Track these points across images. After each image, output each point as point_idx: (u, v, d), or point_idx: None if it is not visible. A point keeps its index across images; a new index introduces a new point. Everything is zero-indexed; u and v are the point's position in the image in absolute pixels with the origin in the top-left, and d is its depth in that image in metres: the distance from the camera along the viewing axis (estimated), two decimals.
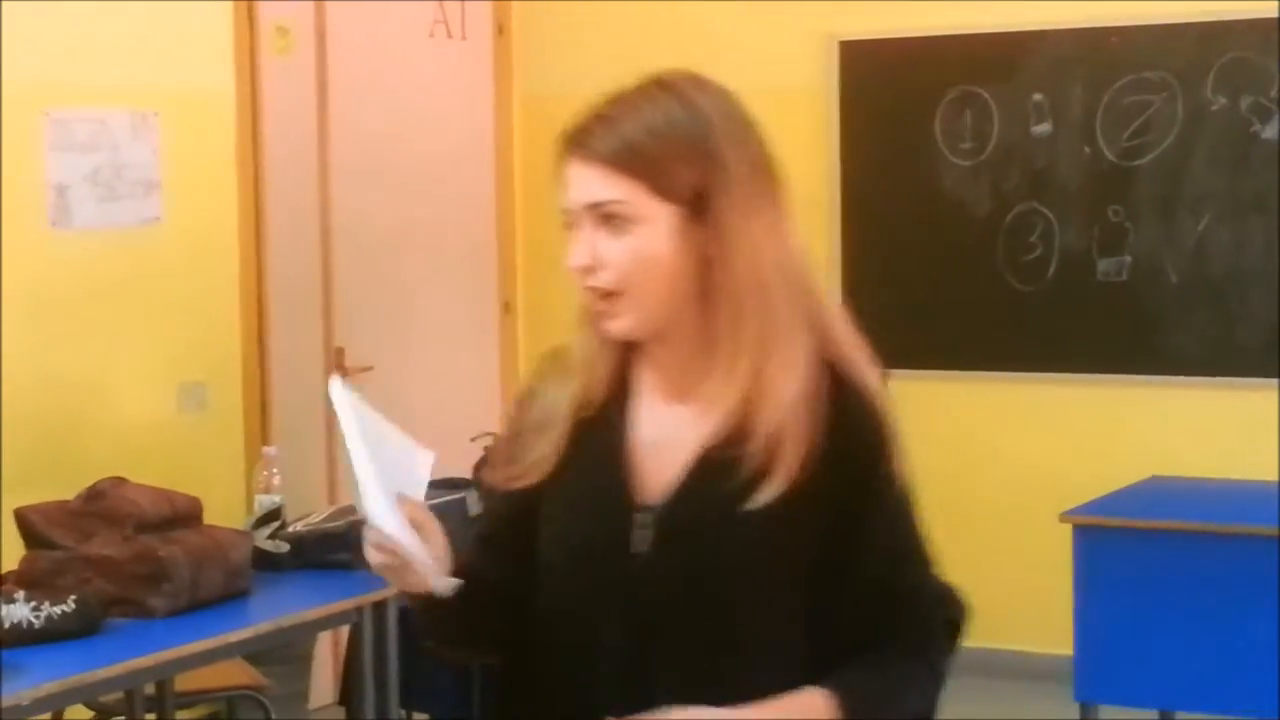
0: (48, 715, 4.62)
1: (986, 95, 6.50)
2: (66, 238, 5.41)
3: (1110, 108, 6.34)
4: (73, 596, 3.76)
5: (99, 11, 5.47)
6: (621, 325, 2.13)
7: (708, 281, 2.11)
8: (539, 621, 2.19)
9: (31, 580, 3.88)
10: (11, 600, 3.70)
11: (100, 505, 4.07)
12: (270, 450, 4.61)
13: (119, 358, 5.56)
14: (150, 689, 4.53)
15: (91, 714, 4.65)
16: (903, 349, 6.69)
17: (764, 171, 2.17)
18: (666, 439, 2.15)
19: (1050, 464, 6.41)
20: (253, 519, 4.43)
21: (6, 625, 3.60)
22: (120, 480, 4.19)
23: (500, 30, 7.04)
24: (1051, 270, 6.44)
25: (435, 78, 6.76)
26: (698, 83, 2.17)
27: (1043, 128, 6.44)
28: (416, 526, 2.11)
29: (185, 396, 5.73)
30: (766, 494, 2.08)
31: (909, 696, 2.18)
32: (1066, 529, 5.19)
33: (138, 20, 5.59)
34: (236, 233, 5.93)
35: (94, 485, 4.15)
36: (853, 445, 2.13)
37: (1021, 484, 6.46)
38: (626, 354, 2.20)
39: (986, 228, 6.52)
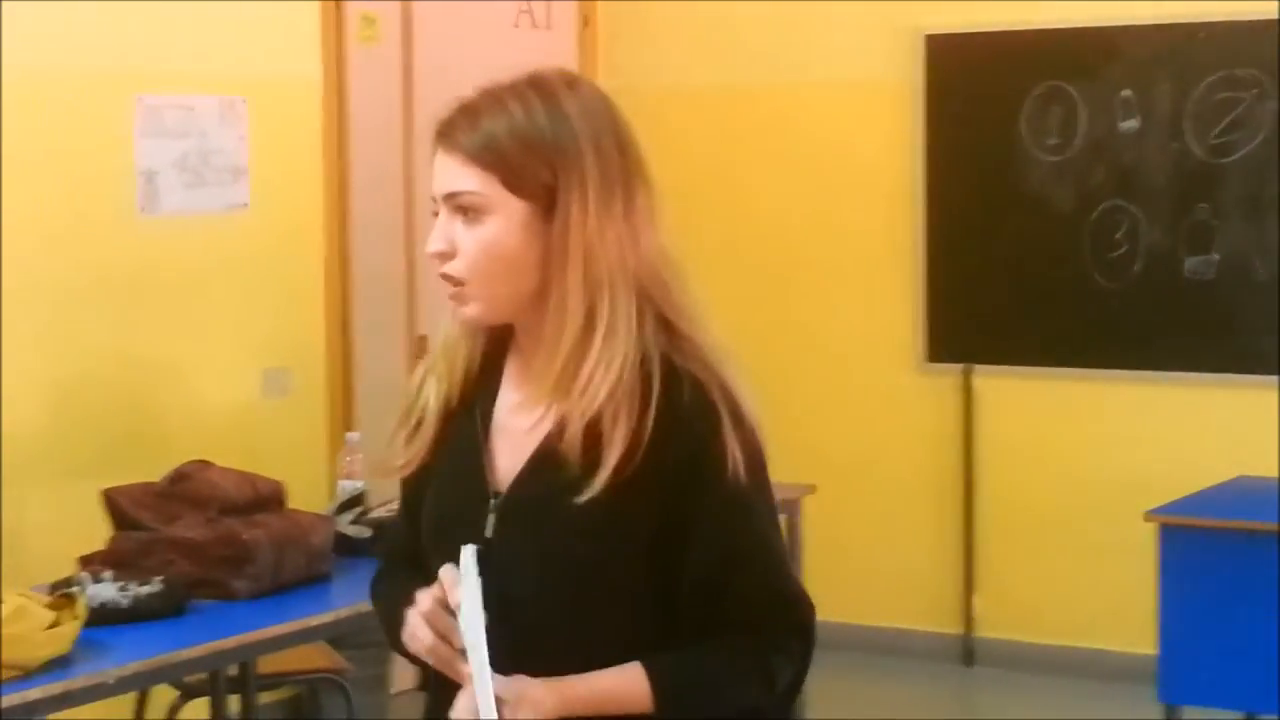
0: (132, 694, 4.67)
1: (1073, 91, 6.45)
2: (154, 223, 5.45)
3: (1199, 104, 6.28)
4: (159, 577, 3.79)
5: None
6: (469, 311, 2.22)
7: (548, 277, 2.18)
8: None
9: (119, 560, 3.91)
10: (99, 580, 3.73)
11: (185, 488, 4.10)
12: (353, 436, 4.62)
13: (204, 343, 5.59)
14: (234, 670, 4.56)
15: (176, 694, 4.68)
16: (987, 346, 6.67)
17: (624, 175, 2.20)
18: (522, 426, 2.22)
19: (1136, 463, 6.35)
20: (335, 504, 4.44)
21: (94, 604, 3.63)
22: (205, 463, 4.22)
23: (585, 22, 7.04)
24: (1137, 268, 6.39)
25: (520, 68, 6.73)
26: (570, 82, 2.23)
27: (1130, 124, 6.38)
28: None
29: (270, 382, 5.77)
30: (593, 487, 2.12)
31: (727, 692, 2.17)
32: (1152, 528, 5.14)
33: (227, 7, 5.62)
34: (322, 219, 5.96)
35: (179, 468, 4.18)
36: (680, 439, 2.14)
37: (1107, 483, 6.41)
38: (500, 343, 2.27)
39: (1072, 225, 6.47)
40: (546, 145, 2.17)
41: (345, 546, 4.31)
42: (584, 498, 2.12)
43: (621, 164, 2.20)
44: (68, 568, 3.90)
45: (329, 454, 5.63)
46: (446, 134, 2.21)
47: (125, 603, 3.72)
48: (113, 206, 5.33)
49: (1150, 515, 5.16)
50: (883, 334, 6.77)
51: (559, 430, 2.15)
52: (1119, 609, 6.30)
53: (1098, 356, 6.46)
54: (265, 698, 5.12)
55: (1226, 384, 6.26)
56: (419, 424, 2.29)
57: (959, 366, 6.68)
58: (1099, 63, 6.40)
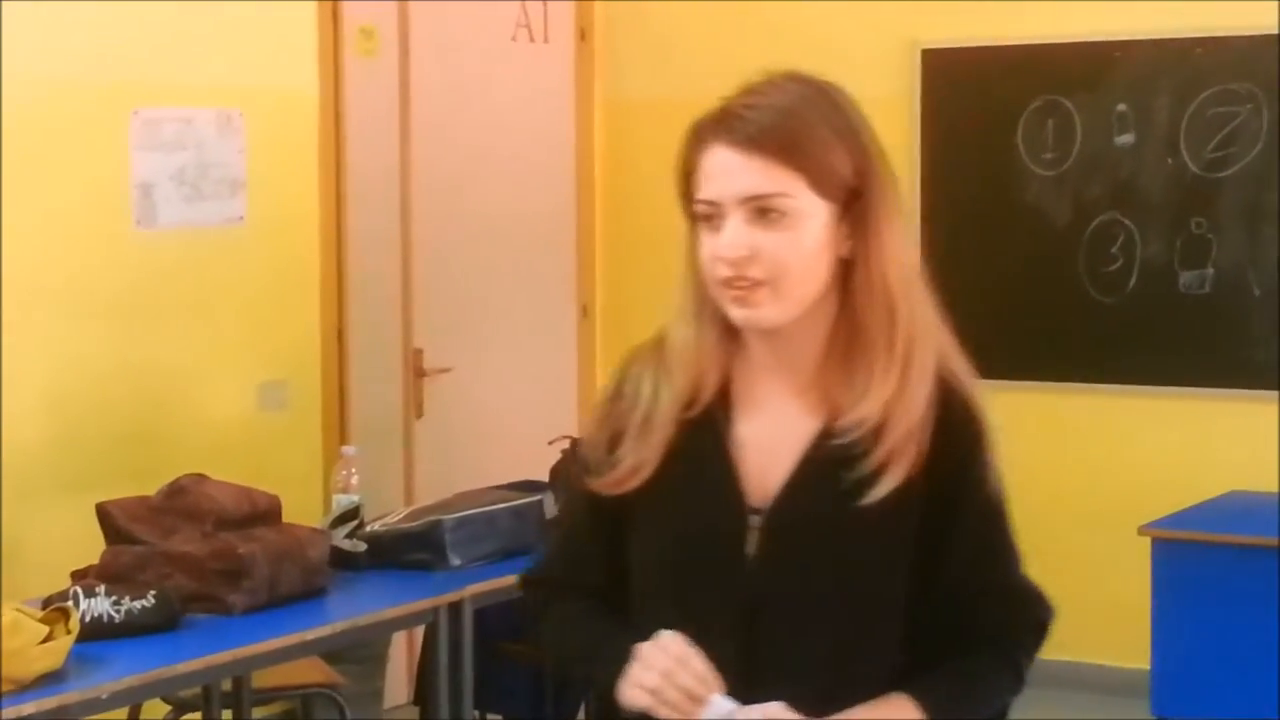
0: (125, 709, 4.67)
1: (1070, 105, 6.46)
2: (151, 237, 5.45)
3: (1195, 119, 6.29)
4: (152, 591, 3.79)
5: (185, 11, 5.51)
6: (763, 315, 2.12)
7: (845, 280, 2.14)
8: (637, 627, 2.17)
9: (113, 574, 3.91)
10: (93, 594, 3.73)
11: (181, 501, 4.10)
12: (349, 450, 4.62)
13: (201, 356, 5.60)
14: (227, 685, 4.56)
15: (169, 709, 4.68)
16: (982, 359, 6.61)
17: (891, 173, 2.18)
18: (772, 438, 2.16)
19: (1130, 477, 6.36)
20: (330, 518, 4.45)
21: (87, 619, 3.63)
22: (201, 477, 4.22)
23: (582, 35, 7.05)
24: (1133, 282, 6.40)
25: (517, 81, 6.78)
26: (821, 81, 2.19)
27: (1126, 138, 6.40)
28: None
29: (266, 395, 5.77)
30: (881, 490, 2.09)
31: (990, 700, 2.22)
32: (1145, 542, 5.16)
33: (224, 20, 5.62)
34: (318, 232, 5.96)
35: (175, 481, 4.17)
36: (951, 446, 2.14)
37: (1100, 496, 6.41)
38: (727, 354, 2.19)
39: (1068, 238, 6.48)
40: (844, 141, 2.13)
41: (341, 561, 4.32)
42: (867, 500, 2.09)
43: (888, 161, 2.18)
44: (65, 582, 3.90)
45: (325, 468, 5.63)
46: (735, 130, 2.11)
47: (118, 617, 3.72)
48: (109, 220, 5.34)
49: (1144, 529, 5.18)
50: None
51: (847, 434, 2.10)
52: (1113, 622, 6.29)
53: (1092, 370, 6.47)
54: (259, 713, 5.12)
55: (1221, 398, 6.27)
56: (638, 438, 2.16)
57: None
58: (1095, 77, 6.41)
